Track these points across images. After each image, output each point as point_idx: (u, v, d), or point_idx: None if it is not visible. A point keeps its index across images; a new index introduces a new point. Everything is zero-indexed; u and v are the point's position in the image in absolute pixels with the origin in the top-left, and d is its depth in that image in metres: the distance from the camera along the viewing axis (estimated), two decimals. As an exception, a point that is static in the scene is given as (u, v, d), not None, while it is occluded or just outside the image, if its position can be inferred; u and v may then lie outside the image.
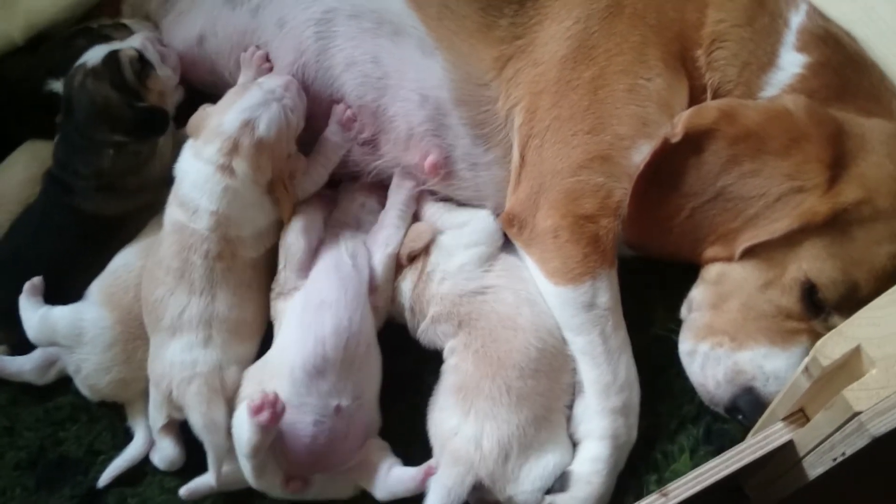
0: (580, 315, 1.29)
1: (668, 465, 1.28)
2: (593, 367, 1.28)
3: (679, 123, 1.24)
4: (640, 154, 1.27)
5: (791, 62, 1.30)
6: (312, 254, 1.36)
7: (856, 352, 0.92)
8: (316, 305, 1.30)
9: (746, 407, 1.23)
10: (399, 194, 1.42)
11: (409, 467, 1.27)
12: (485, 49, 1.37)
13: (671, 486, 1.09)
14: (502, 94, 1.37)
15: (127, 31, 1.53)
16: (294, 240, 1.35)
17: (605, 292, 1.29)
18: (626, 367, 1.29)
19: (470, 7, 1.37)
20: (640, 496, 1.22)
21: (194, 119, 1.38)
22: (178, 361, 1.31)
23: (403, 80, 1.40)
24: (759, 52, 1.31)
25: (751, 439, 1.08)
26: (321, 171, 1.42)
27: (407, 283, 1.38)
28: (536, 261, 1.32)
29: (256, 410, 1.18)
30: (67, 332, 1.36)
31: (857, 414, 0.89)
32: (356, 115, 1.42)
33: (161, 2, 1.56)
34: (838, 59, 1.31)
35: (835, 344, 0.94)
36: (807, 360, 0.98)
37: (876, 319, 0.97)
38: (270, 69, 1.46)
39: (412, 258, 1.38)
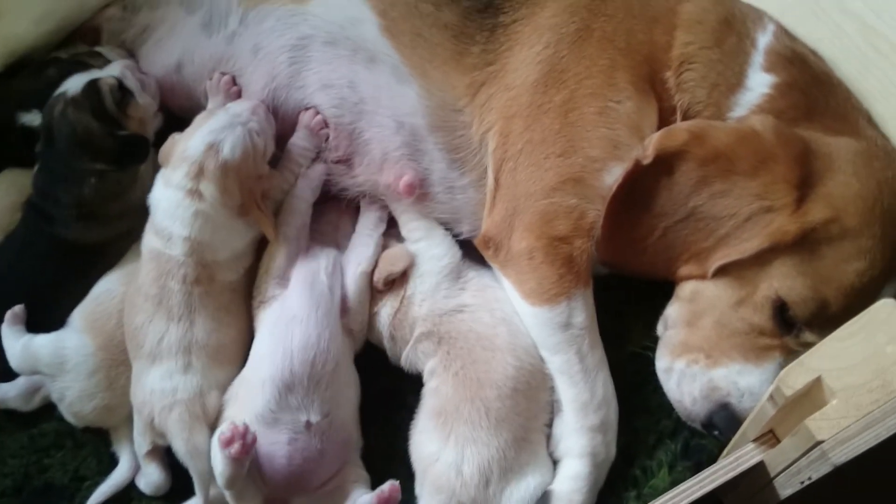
0: (557, 335, 1.30)
1: (647, 480, 1.29)
2: (571, 386, 1.29)
3: (650, 145, 1.25)
4: (612, 176, 1.28)
5: (759, 82, 1.32)
6: (293, 262, 1.38)
7: (817, 382, 0.94)
8: (287, 319, 1.32)
9: (722, 423, 1.24)
10: (369, 215, 1.44)
11: (368, 494, 1.27)
12: (458, 76, 1.38)
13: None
14: (476, 119, 1.38)
15: (102, 59, 1.54)
16: (278, 248, 1.37)
17: (581, 312, 1.30)
18: (604, 384, 1.30)
19: (442, 35, 1.39)
20: None
21: (164, 147, 1.39)
22: (159, 389, 1.31)
23: (379, 107, 1.41)
24: (727, 73, 1.32)
25: (724, 460, 1.09)
26: (288, 176, 1.43)
27: (386, 310, 1.39)
28: (513, 282, 1.34)
29: (227, 443, 1.20)
30: (50, 360, 1.37)
31: (819, 443, 0.91)
32: (325, 122, 1.43)
33: (139, 30, 1.57)
34: (805, 79, 1.32)
35: (797, 374, 0.96)
36: (771, 388, 0.99)
37: (836, 351, 0.99)
38: (239, 93, 1.48)
39: (389, 283, 1.39)
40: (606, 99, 1.30)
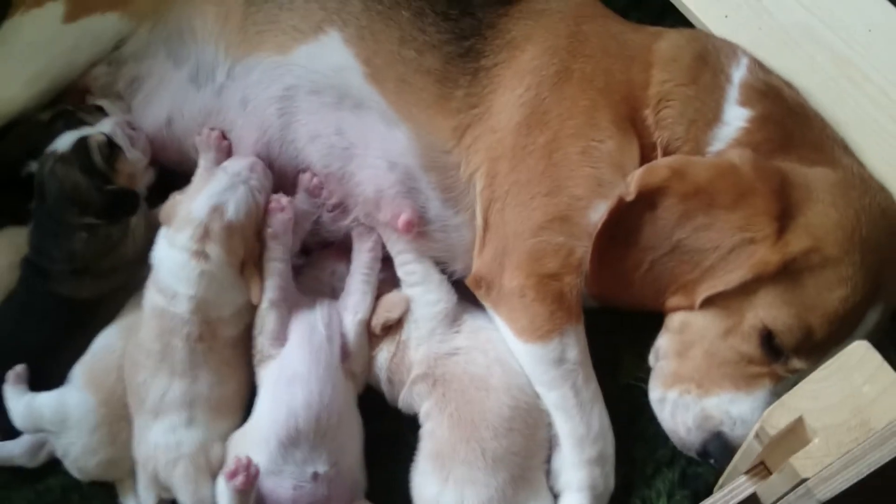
0: (551, 371, 1.32)
1: None
2: (567, 420, 1.31)
3: (632, 182, 1.28)
4: (597, 213, 1.31)
5: (735, 117, 1.34)
6: (285, 323, 1.39)
7: (799, 421, 0.97)
8: (288, 378, 1.33)
9: (716, 451, 1.26)
10: (361, 258, 1.45)
11: None
12: (443, 119, 1.41)
13: None
14: (463, 160, 1.41)
15: (102, 114, 1.57)
16: (265, 312, 1.38)
17: (574, 347, 1.33)
18: (599, 417, 1.32)
19: (426, 80, 1.41)
20: None
21: (165, 207, 1.41)
22: (163, 444, 1.33)
23: (369, 149, 1.44)
24: (704, 108, 1.35)
25: (718, 492, 1.11)
26: (291, 238, 1.44)
27: (384, 354, 1.41)
28: (505, 320, 1.36)
29: (231, 475, 1.22)
30: (53, 417, 1.38)
31: (804, 480, 0.93)
32: (322, 183, 1.46)
33: (127, 84, 1.60)
34: (780, 112, 1.35)
35: (780, 415, 0.99)
36: (756, 427, 1.02)
37: (815, 392, 1.01)
38: (229, 147, 1.50)
39: (386, 329, 1.41)
40: (588, 139, 1.33)
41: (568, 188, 1.33)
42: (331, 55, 1.45)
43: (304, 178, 1.46)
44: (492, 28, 1.43)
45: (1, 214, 1.58)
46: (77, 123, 1.53)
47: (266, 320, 1.38)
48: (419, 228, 1.43)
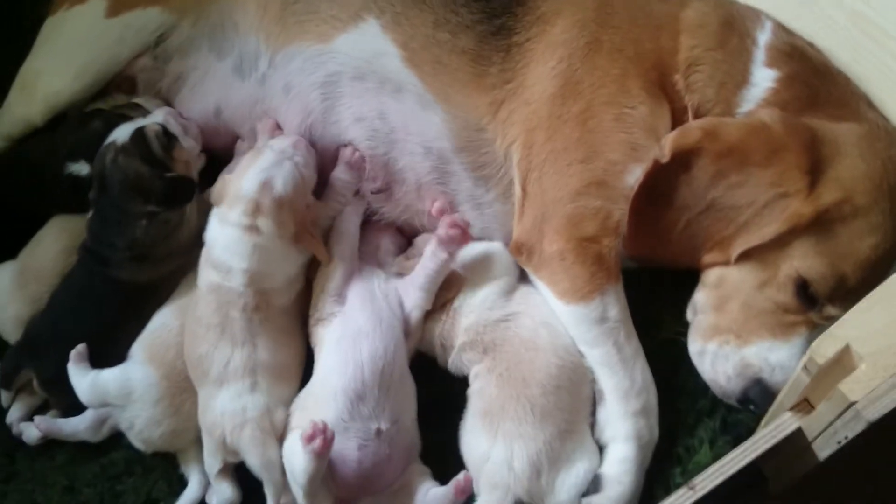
0: (593, 329, 1.38)
1: (691, 457, 1.36)
2: (611, 376, 1.37)
3: (666, 145, 1.33)
4: (633, 176, 1.36)
5: (763, 78, 1.39)
6: (349, 281, 1.45)
7: (846, 349, 1.03)
8: (353, 334, 1.39)
9: (757, 397, 1.33)
10: (433, 261, 1.46)
11: (442, 486, 1.35)
12: (479, 96, 1.46)
13: (697, 479, 1.18)
14: (499, 134, 1.46)
15: (141, 110, 1.62)
16: (334, 269, 1.45)
17: (614, 305, 1.38)
18: (642, 371, 1.38)
19: (461, 60, 1.47)
20: (668, 489, 1.31)
21: (216, 187, 1.47)
22: (229, 410, 1.38)
23: (408, 135, 1.50)
24: (732, 71, 1.40)
25: (764, 430, 1.17)
26: (334, 206, 1.52)
27: (437, 323, 1.46)
28: (547, 284, 1.41)
29: (309, 439, 1.26)
30: (118, 392, 1.44)
31: (852, 403, 1.00)
32: (364, 157, 1.52)
33: (173, 79, 1.66)
34: (806, 71, 1.40)
35: (828, 344, 1.05)
36: (804, 359, 1.08)
37: (861, 321, 1.07)
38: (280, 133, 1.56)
39: (442, 304, 1.46)
40: (621, 105, 1.38)
41: (603, 153, 1.38)
42: (370, 42, 1.51)
43: (346, 152, 1.52)
44: (521, 5, 1.48)
45: (48, 207, 1.64)
46: (117, 119, 1.58)
47: (332, 277, 1.44)
48: (451, 212, 1.48)
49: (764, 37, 1.42)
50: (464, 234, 1.43)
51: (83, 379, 1.45)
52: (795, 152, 1.29)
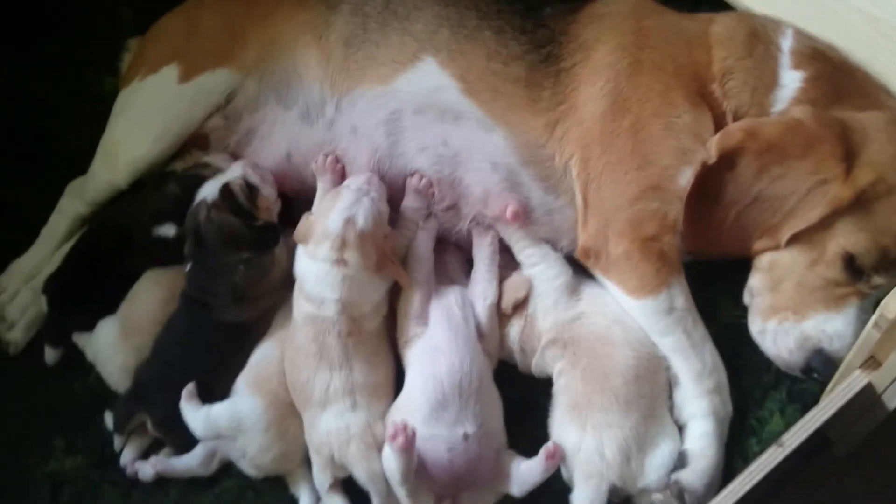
0: (663, 320, 1.50)
1: (764, 427, 1.48)
2: (684, 360, 1.49)
3: (712, 147, 1.47)
4: (684, 178, 1.49)
5: (791, 79, 1.53)
6: (428, 302, 1.57)
7: (913, 304, 1.16)
8: (432, 351, 1.51)
9: (819, 366, 1.45)
10: (483, 251, 1.63)
11: (531, 458, 1.46)
12: (535, 119, 1.59)
13: (785, 437, 1.30)
14: (557, 151, 1.59)
15: (211, 168, 1.74)
16: (412, 294, 1.57)
17: (680, 296, 1.51)
18: (711, 353, 1.50)
19: (515, 87, 1.60)
20: (747, 459, 1.43)
21: (301, 228, 1.59)
22: (334, 429, 1.49)
23: (473, 155, 1.62)
24: (762, 76, 1.54)
25: (836, 389, 1.30)
26: (407, 233, 1.64)
27: (515, 329, 1.58)
28: (616, 283, 1.54)
29: (392, 437, 1.39)
30: (229, 423, 1.54)
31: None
32: (430, 182, 1.64)
33: (243, 134, 1.78)
34: (829, 69, 1.54)
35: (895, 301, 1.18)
36: (874, 317, 1.21)
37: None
38: (343, 168, 1.68)
39: (515, 307, 1.58)
40: (668, 116, 1.52)
41: (656, 160, 1.51)
42: (429, 78, 1.64)
43: (413, 181, 1.64)
44: (564, 34, 1.62)
45: (138, 264, 1.75)
46: (189, 180, 1.71)
47: (412, 302, 1.56)
48: (525, 216, 1.61)
49: (787, 42, 1.56)
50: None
51: (196, 415, 1.55)
52: (829, 143, 1.43)
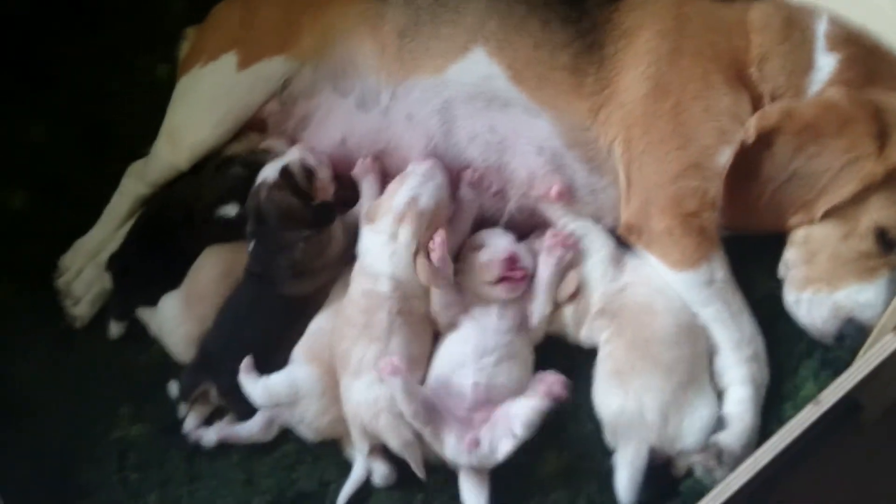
0: (704, 291, 1.58)
1: (798, 392, 1.55)
2: (724, 329, 1.56)
3: (751, 127, 1.54)
4: (724, 157, 1.57)
5: (826, 62, 1.60)
6: (451, 306, 1.64)
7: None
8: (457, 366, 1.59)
9: (851, 333, 1.52)
10: (547, 270, 1.66)
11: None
12: (579, 103, 1.67)
13: (822, 394, 1.36)
14: (601, 134, 1.67)
15: (270, 154, 1.82)
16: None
17: (719, 269, 1.58)
18: (749, 322, 1.57)
19: (561, 74, 1.68)
20: (782, 421, 1.47)
21: (370, 209, 1.69)
22: (363, 400, 1.56)
23: (519, 140, 1.70)
24: (798, 60, 1.61)
25: (869, 351, 1.37)
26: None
27: (569, 309, 1.66)
28: (658, 256, 1.61)
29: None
30: (287, 391, 1.62)
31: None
32: (483, 175, 1.72)
33: (299, 119, 1.86)
34: (862, 52, 1.61)
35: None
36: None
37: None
38: (380, 166, 1.78)
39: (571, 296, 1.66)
40: (708, 98, 1.59)
41: (697, 140, 1.59)
42: (479, 67, 1.72)
43: (467, 174, 1.73)
44: (608, 23, 1.70)
45: (199, 241, 1.84)
46: (252, 162, 1.80)
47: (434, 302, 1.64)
48: (570, 196, 1.69)
49: (822, 27, 1.63)
50: (567, 246, 1.64)
51: (255, 385, 1.63)
52: (863, 122, 1.50)
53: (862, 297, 1.53)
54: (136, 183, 1.94)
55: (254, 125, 1.89)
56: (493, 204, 1.75)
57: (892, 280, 1.52)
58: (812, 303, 1.57)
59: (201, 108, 1.86)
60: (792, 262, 1.61)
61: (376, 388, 1.56)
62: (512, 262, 1.63)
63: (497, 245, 1.65)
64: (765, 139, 1.54)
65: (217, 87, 1.86)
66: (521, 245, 1.66)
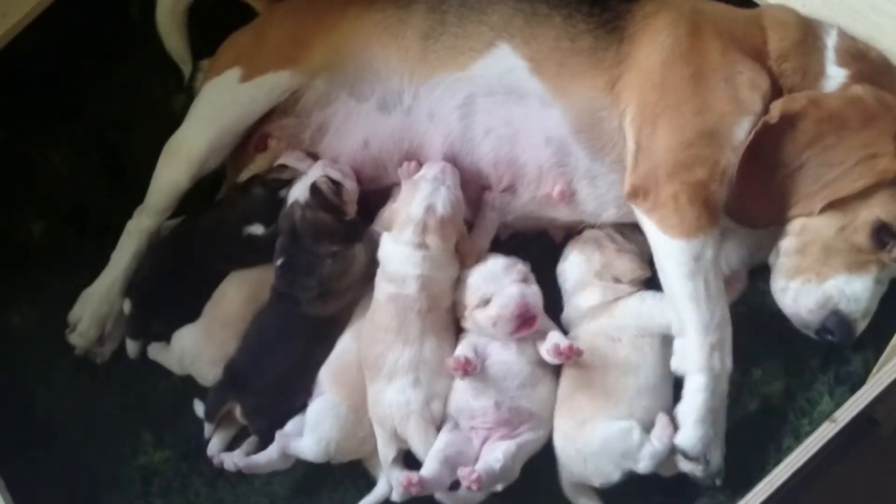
0: (690, 263, 1.53)
1: (814, 408, 1.56)
2: (696, 309, 1.52)
3: (776, 108, 1.54)
4: (741, 129, 1.55)
5: (836, 73, 1.61)
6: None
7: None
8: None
9: (835, 327, 1.52)
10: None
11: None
12: (595, 80, 1.66)
13: (837, 413, 1.37)
14: (614, 104, 1.65)
15: (289, 169, 1.83)
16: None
17: (712, 247, 1.54)
18: (722, 308, 1.54)
19: (580, 58, 1.68)
20: (799, 437, 1.50)
21: (384, 217, 1.71)
22: (395, 403, 1.59)
23: (530, 132, 1.70)
24: (813, 63, 1.62)
25: (885, 366, 1.38)
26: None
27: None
28: (656, 221, 1.57)
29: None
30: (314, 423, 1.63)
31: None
32: (498, 198, 1.74)
33: (316, 129, 1.85)
34: (870, 69, 1.62)
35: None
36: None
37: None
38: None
39: None
40: (728, 69, 1.59)
41: (715, 107, 1.57)
42: (502, 62, 1.72)
43: (488, 197, 1.75)
44: (629, 13, 1.71)
45: (224, 265, 1.83)
46: (272, 182, 1.82)
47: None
48: (570, 192, 1.70)
49: (831, 40, 1.64)
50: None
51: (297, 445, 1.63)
52: (886, 120, 1.52)
53: (849, 288, 1.53)
54: (140, 219, 1.89)
55: (258, 145, 1.89)
56: (504, 201, 1.76)
57: (880, 280, 1.53)
58: (800, 292, 1.56)
59: (201, 120, 1.86)
60: (785, 250, 1.60)
61: (409, 392, 1.60)
62: (523, 314, 1.60)
63: (504, 295, 1.61)
64: (787, 122, 1.54)
65: (218, 99, 1.86)
66: (522, 284, 1.64)
